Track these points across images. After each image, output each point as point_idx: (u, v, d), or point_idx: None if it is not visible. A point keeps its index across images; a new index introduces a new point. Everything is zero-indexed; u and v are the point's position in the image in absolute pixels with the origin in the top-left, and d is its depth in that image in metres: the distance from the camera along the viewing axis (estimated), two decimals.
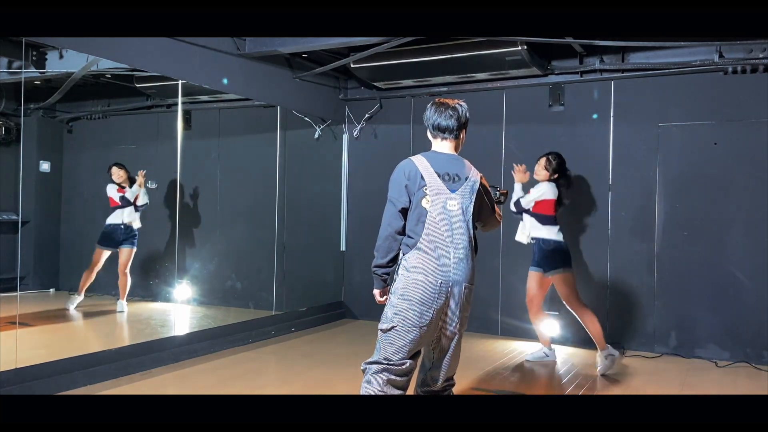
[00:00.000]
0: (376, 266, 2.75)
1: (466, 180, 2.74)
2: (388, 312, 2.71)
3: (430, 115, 2.82)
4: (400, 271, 2.70)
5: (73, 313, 5.68)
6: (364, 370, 2.73)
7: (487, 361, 4.86)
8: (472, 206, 2.73)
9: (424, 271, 2.62)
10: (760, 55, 4.80)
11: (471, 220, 2.74)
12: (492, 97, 5.85)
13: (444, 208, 2.66)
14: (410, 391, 2.85)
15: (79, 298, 5.66)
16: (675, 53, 5.11)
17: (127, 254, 5.72)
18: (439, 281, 2.63)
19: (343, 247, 6.66)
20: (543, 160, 4.72)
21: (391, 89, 6.24)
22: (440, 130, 2.80)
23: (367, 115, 6.47)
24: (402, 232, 2.70)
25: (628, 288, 5.31)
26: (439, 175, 2.69)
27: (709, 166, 5.05)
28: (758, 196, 4.85)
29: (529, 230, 4.71)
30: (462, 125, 2.82)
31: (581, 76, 5.47)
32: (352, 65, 5.73)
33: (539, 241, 4.65)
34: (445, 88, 5.95)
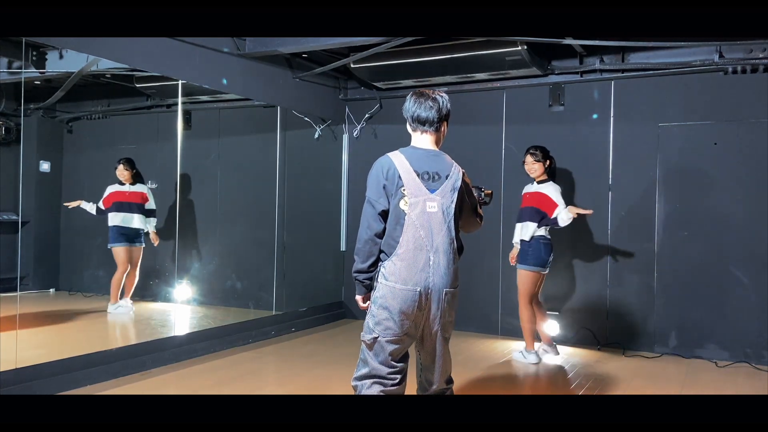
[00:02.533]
0: (356, 271, 2.63)
1: (446, 178, 2.62)
2: (369, 321, 2.62)
3: (410, 107, 2.71)
4: (379, 279, 2.59)
5: (73, 314, 5.69)
6: (355, 387, 2.64)
7: (487, 361, 4.86)
8: (453, 206, 2.61)
9: (403, 280, 2.52)
10: (760, 55, 4.80)
11: (453, 222, 2.61)
12: (492, 97, 5.85)
13: (423, 210, 2.54)
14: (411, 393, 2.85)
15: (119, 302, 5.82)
16: (675, 53, 5.10)
17: (136, 252, 5.86)
18: (418, 289, 2.52)
19: (343, 247, 6.66)
20: (530, 157, 4.78)
21: (391, 89, 6.24)
22: (420, 123, 2.70)
23: (367, 115, 6.47)
24: (382, 236, 2.59)
25: (628, 288, 5.30)
26: (418, 174, 2.58)
27: (709, 166, 5.05)
28: (758, 196, 4.85)
29: (534, 231, 4.71)
30: (443, 117, 2.70)
31: (581, 76, 5.47)
32: (352, 65, 5.73)
33: (540, 239, 4.71)
34: (445, 88, 5.94)
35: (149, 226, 5.85)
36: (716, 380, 4.42)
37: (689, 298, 5.08)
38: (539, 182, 4.79)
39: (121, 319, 5.70)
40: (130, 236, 5.77)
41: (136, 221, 5.76)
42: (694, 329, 5.06)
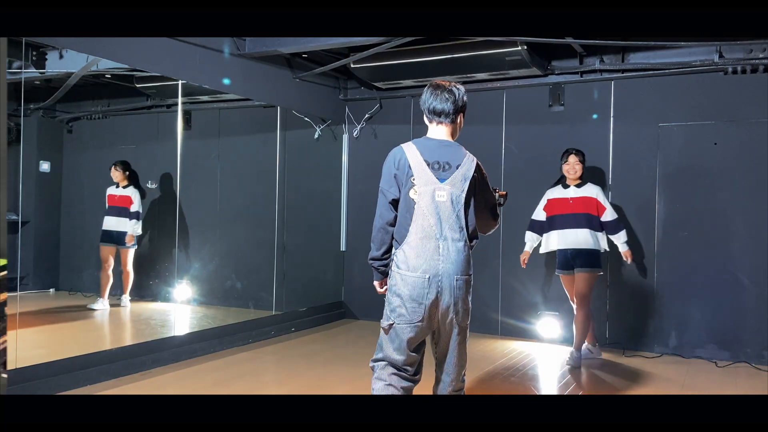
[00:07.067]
0: (372, 258, 2.72)
1: (457, 168, 2.63)
2: (386, 308, 2.70)
3: (426, 98, 2.73)
4: (392, 267, 2.66)
5: (73, 313, 5.69)
6: (372, 368, 2.74)
7: (487, 361, 4.86)
8: (464, 195, 2.62)
9: (413, 267, 2.57)
10: (760, 55, 4.80)
11: (462, 210, 2.62)
12: (492, 97, 5.85)
13: (432, 199, 2.58)
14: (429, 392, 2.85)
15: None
16: (675, 53, 5.11)
17: (123, 253, 5.90)
18: (428, 276, 2.56)
19: (343, 247, 6.66)
20: (574, 157, 4.76)
21: (391, 89, 6.24)
22: (436, 114, 2.70)
23: (367, 115, 6.47)
24: (393, 224, 2.66)
25: (628, 288, 5.30)
26: (428, 164, 2.61)
27: (709, 166, 5.05)
28: (758, 196, 4.85)
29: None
30: (459, 109, 2.71)
31: (581, 76, 5.48)
32: (352, 65, 5.73)
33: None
34: None
35: (128, 228, 5.83)
36: (716, 380, 4.42)
37: (689, 298, 5.08)
38: (577, 185, 4.77)
39: (122, 319, 5.70)
40: (114, 237, 5.82)
41: (122, 224, 5.78)
42: (694, 329, 5.06)
